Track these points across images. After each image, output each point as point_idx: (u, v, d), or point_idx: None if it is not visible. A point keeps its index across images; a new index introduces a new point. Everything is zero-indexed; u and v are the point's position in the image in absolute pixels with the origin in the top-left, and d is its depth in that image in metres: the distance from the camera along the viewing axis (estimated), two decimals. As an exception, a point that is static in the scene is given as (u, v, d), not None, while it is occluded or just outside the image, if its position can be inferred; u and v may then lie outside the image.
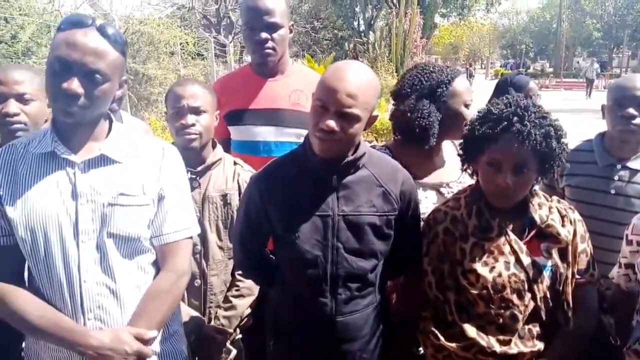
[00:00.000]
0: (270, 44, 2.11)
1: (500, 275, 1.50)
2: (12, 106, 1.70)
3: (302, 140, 2.13)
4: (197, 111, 1.81)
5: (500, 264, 1.51)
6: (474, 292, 1.51)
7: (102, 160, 1.34)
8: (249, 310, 1.90)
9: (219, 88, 2.19)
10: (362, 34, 21.25)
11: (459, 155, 1.67)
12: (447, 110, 1.82)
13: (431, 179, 1.89)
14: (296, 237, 1.48)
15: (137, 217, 1.36)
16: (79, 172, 1.32)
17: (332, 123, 1.36)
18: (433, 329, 1.56)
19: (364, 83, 1.39)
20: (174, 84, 1.88)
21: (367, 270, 1.51)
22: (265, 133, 2.18)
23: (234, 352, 1.81)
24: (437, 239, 1.61)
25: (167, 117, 1.90)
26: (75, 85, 1.23)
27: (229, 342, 1.82)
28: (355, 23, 25.15)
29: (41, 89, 1.79)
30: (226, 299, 1.86)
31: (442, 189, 1.89)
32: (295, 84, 2.22)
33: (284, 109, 2.18)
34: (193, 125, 1.79)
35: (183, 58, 11.76)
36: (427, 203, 1.82)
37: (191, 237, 1.50)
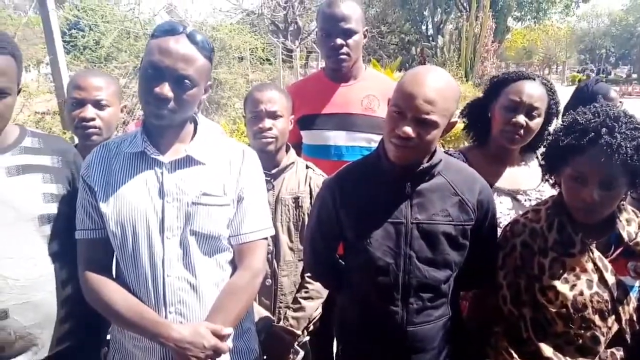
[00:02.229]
0: (345, 49, 2.15)
1: (581, 293, 1.42)
2: (89, 111, 1.82)
3: (372, 145, 2.16)
4: (274, 115, 1.86)
5: (582, 282, 1.43)
6: (552, 309, 1.45)
7: (188, 161, 1.41)
8: (317, 313, 1.92)
9: (293, 93, 2.23)
10: (430, 38, 20.91)
11: (540, 165, 1.60)
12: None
13: (507, 184, 1.84)
14: (368, 244, 1.47)
15: (218, 216, 1.42)
16: (166, 171, 1.39)
17: (408, 129, 1.35)
18: (507, 345, 1.51)
19: (443, 89, 1.37)
20: (253, 89, 1.95)
21: (441, 281, 1.48)
22: (337, 137, 2.20)
23: (302, 353, 1.84)
24: (514, 252, 1.55)
25: (245, 120, 1.97)
26: (166, 89, 1.30)
27: (297, 343, 1.85)
28: (423, 27, 24.78)
29: (116, 96, 1.92)
30: (295, 300, 1.89)
31: (518, 196, 1.84)
32: (368, 89, 2.23)
33: (355, 114, 2.20)
34: (270, 129, 1.84)
35: (252, 63, 12.09)
36: (502, 208, 1.77)
37: (266, 238, 1.54)
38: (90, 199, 1.40)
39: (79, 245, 1.43)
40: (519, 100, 1.76)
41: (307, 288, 1.90)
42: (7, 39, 1.34)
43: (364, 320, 1.55)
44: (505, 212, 1.74)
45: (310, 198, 1.90)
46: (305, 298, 1.89)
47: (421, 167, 1.45)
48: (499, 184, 1.84)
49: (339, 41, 2.13)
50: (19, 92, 1.39)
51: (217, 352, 1.36)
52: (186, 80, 1.32)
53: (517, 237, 1.56)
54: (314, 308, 1.89)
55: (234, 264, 1.50)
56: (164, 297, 1.38)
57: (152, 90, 1.30)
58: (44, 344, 1.44)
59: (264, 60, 12.98)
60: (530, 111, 1.76)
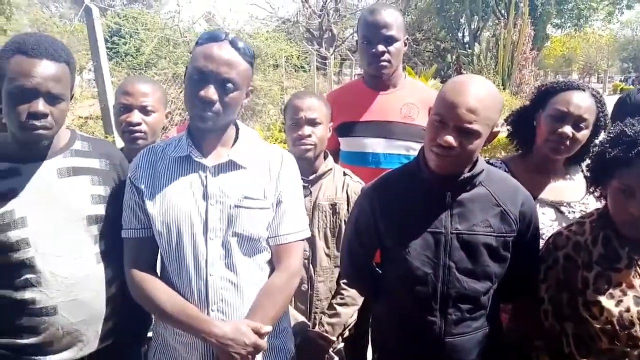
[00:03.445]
0: (386, 56, 2.16)
1: (628, 310, 1.38)
2: (136, 116, 1.89)
3: (411, 153, 2.16)
4: (313, 123, 1.88)
5: (629, 298, 1.39)
6: (597, 325, 1.40)
7: (230, 166, 1.46)
8: (352, 320, 1.92)
9: (332, 100, 2.25)
10: (466, 46, 20.66)
11: (585, 177, 1.56)
12: None
13: (550, 195, 1.80)
14: (406, 253, 1.47)
15: (258, 219, 1.46)
16: (210, 175, 1.43)
17: (450, 139, 1.34)
18: None
19: (486, 97, 1.36)
20: (293, 97, 1.98)
21: (480, 293, 1.46)
22: (375, 145, 2.21)
23: (336, 359, 1.84)
24: (556, 266, 1.52)
25: (284, 127, 2.00)
26: (211, 92, 1.35)
27: (331, 349, 1.85)
28: (460, 34, 24.52)
29: (161, 102, 1.98)
30: (330, 306, 1.89)
31: (562, 208, 1.80)
32: (407, 97, 2.23)
33: (394, 122, 2.20)
34: (309, 136, 1.86)
35: (287, 70, 12.22)
36: (545, 220, 1.73)
37: (304, 240, 1.56)
38: (138, 200, 1.46)
39: (126, 244, 1.49)
40: (567, 110, 1.72)
41: (342, 294, 1.90)
42: (62, 47, 1.41)
43: (402, 329, 1.54)
44: (548, 224, 1.71)
45: (348, 205, 1.91)
46: (340, 304, 1.89)
47: (462, 177, 1.44)
48: (543, 195, 1.80)
49: (381, 48, 2.14)
50: (71, 98, 1.45)
51: (257, 349, 1.40)
52: (229, 84, 1.37)
53: (560, 250, 1.52)
54: (349, 314, 1.90)
55: (272, 265, 1.53)
56: (207, 295, 1.42)
57: (197, 94, 1.35)
58: (89, 340, 1.50)
59: (298, 67, 13.10)
60: (577, 122, 1.72)
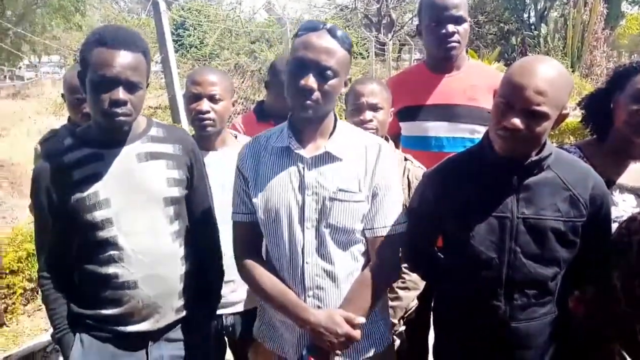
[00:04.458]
0: (456, 37, 2.14)
1: None
2: (205, 105, 1.95)
3: (476, 136, 2.11)
4: (374, 107, 1.89)
5: None
6: None
7: (327, 158, 1.49)
8: (414, 304, 1.93)
9: (393, 85, 2.24)
10: (532, 27, 19.68)
11: None
12: None
13: (630, 181, 1.72)
14: (471, 237, 1.46)
15: (352, 211, 1.48)
16: (307, 166, 1.48)
17: (517, 121, 1.31)
18: (620, 349, 1.43)
19: (555, 79, 1.31)
20: (354, 82, 1.98)
21: (548, 278, 1.43)
22: (438, 128, 2.19)
23: (398, 342, 1.86)
24: (629, 252, 1.46)
25: (346, 113, 2.02)
26: (310, 81, 1.38)
27: (393, 332, 1.87)
28: (525, 15, 23.38)
29: (228, 90, 2.04)
30: (392, 290, 1.90)
31: None
32: (471, 80, 2.20)
33: (459, 105, 2.17)
34: (371, 120, 1.88)
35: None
36: (625, 206, 1.66)
37: (400, 233, 1.54)
38: (245, 187, 1.54)
39: (234, 227, 1.59)
40: None
41: (404, 278, 1.91)
42: (139, 38, 1.49)
43: (465, 314, 1.54)
44: (628, 211, 1.62)
45: (409, 190, 1.91)
46: (402, 288, 1.90)
47: (530, 160, 1.40)
48: (622, 180, 1.72)
49: (451, 28, 2.13)
50: (147, 86, 1.55)
51: (350, 339, 1.44)
52: (328, 71, 1.39)
53: (634, 236, 1.46)
54: (410, 298, 1.91)
55: (368, 256, 1.55)
56: (303, 281, 1.48)
57: (298, 83, 1.39)
58: (165, 312, 1.60)
59: (356, 54, 13.01)
60: None
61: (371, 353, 1.56)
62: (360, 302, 1.48)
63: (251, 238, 1.57)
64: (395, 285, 1.91)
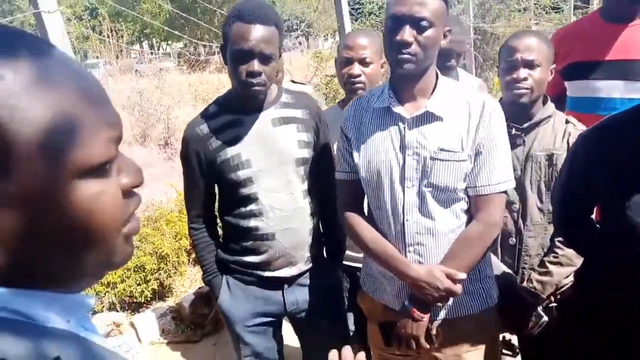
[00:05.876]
0: None
1: None
2: (356, 68, 2.01)
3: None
4: (530, 65, 1.72)
5: None
6: None
7: (427, 117, 1.46)
8: (568, 280, 1.75)
9: (559, 39, 2.01)
10: None
11: None
12: None
13: None
14: (627, 207, 1.26)
15: (454, 171, 1.44)
16: (408, 126, 1.47)
17: None
18: None
19: None
20: (510, 37, 1.82)
21: None
22: (611, 88, 1.90)
23: (545, 318, 1.72)
24: None
25: (498, 71, 1.88)
26: (406, 35, 1.37)
27: (540, 307, 1.74)
28: None
29: (378, 54, 2.06)
30: (542, 264, 1.76)
31: None
32: None
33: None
34: (525, 79, 1.71)
35: (536, 13, 11.02)
36: None
37: (505, 192, 1.49)
38: (347, 147, 1.60)
39: (338, 185, 1.66)
40: None
41: (556, 253, 1.74)
42: (273, 12, 1.60)
43: (621, 293, 1.36)
44: None
45: (568, 155, 1.72)
46: (553, 263, 1.73)
47: None
48: None
49: None
50: (280, 56, 1.65)
51: (450, 294, 1.44)
52: (423, 22, 1.36)
53: None
54: (562, 275, 1.72)
55: (471, 213, 1.51)
56: (404, 238, 1.50)
57: (394, 39, 1.39)
58: (297, 262, 1.77)
59: (550, 9, 11.67)
60: None
61: (474, 309, 1.56)
62: (461, 259, 1.46)
63: (354, 194, 1.61)
64: (546, 259, 1.76)
